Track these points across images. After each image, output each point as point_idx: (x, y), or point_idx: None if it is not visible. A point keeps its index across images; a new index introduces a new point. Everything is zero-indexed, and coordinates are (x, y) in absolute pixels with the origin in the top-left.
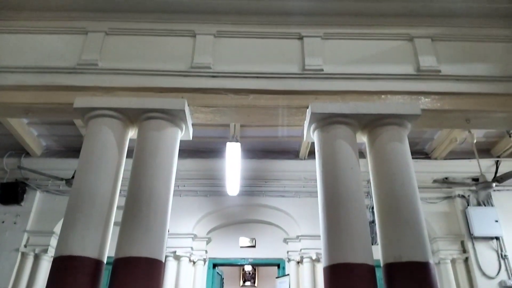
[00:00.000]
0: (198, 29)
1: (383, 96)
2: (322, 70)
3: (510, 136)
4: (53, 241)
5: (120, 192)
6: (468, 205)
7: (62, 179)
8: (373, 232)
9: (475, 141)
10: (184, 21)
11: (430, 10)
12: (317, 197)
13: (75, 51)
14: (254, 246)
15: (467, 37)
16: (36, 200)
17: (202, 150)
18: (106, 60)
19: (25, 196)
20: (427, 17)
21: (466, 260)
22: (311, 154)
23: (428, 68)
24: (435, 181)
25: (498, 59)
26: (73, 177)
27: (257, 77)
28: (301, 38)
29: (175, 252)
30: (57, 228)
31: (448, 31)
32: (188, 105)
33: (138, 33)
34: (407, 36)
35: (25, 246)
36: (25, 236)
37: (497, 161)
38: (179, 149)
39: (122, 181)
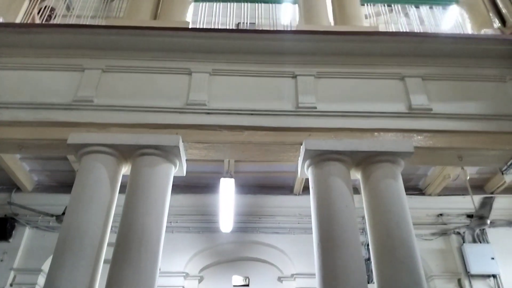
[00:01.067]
0: (194, 67)
1: (376, 133)
2: (315, 107)
3: (502, 173)
4: (41, 280)
5: (111, 229)
6: (463, 242)
7: (52, 215)
8: (368, 270)
9: (468, 177)
10: (181, 60)
11: (420, 51)
12: (311, 233)
13: (71, 87)
14: (247, 285)
15: (457, 77)
16: (25, 236)
17: (196, 185)
18: (102, 96)
19: (14, 232)
20: (418, 57)
21: None
22: (306, 189)
23: (420, 107)
24: (429, 220)
25: (488, 97)
26: (63, 213)
27: (252, 114)
28: (294, 76)
29: None
30: (46, 266)
31: (439, 71)
32: (183, 141)
33: (135, 71)
34: (398, 76)
35: (11, 285)
36: (12, 274)
37: (491, 197)
38: (172, 184)
39: (114, 217)
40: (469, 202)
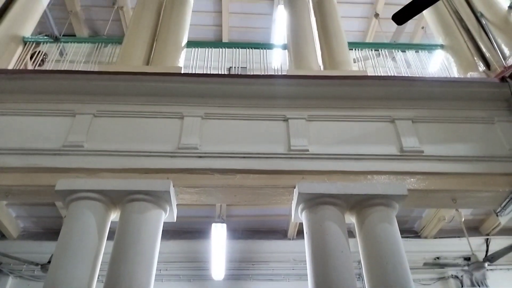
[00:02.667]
0: (186, 112)
1: (369, 176)
2: (307, 150)
3: (497, 215)
4: None
5: (98, 278)
6: (462, 286)
7: (37, 264)
8: None
9: (463, 219)
10: (173, 104)
11: (409, 94)
12: (307, 280)
13: (62, 132)
14: None
15: (446, 119)
16: (8, 286)
17: (186, 230)
18: (92, 141)
19: None
20: (407, 100)
21: None
22: (300, 233)
23: (411, 149)
24: (426, 263)
25: (478, 139)
26: (49, 261)
27: (244, 157)
28: (286, 120)
29: None
30: None
31: (428, 113)
32: (174, 186)
33: (127, 115)
34: (388, 118)
35: None
36: None
37: (487, 239)
38: (162, 230)
39: (101, 265)
40: (466, 244)
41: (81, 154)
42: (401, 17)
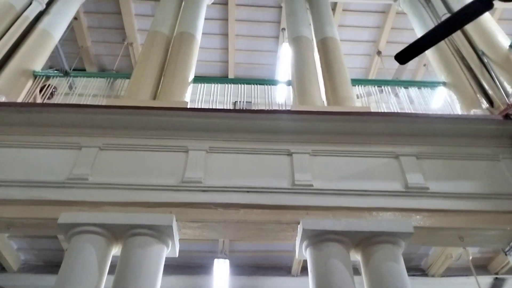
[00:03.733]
0: (191, 145)
1: (374, 212)
2: (311, 185)
3: (505, 254)
4: None
5: None
6: None
7: None
8: None
9: (470, 257)
10: (178, 138)
11: (412, 130)
12: None
13: (67, 165)
14: None
15: (451, 155)
16: None
17: (188, 265)
18: (97, 174)
19: None
20: (411, 136)
21: None
22: (304, 269)
23: (416, 185)
24: None
25: (483, 176)
26: None
27: (248, 191)
28: (290, 154)
29: None
30: None
31: (432, 150)
32: (176, 220)
33: (132, 149)
34: (392, 154)
35: None
36: None
37: (496, 278)
38: (164, 265)
39: None
40: (474, 284)
41: (85, 187)
42: (404, 57)
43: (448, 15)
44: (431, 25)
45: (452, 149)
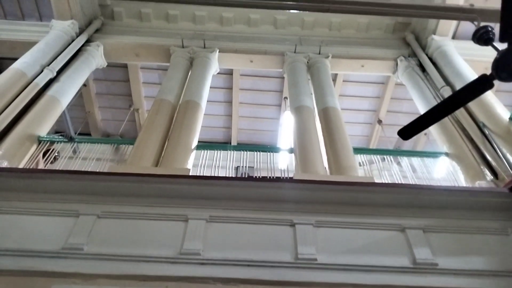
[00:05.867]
0: (191, 214)
1: None
2: (315, 259)
3: None
4: None
5: None
6: None
7: None
8: None
9: None
10: (178, 206)
11: (418, 202)
12: None
13: (63, 234)
14: None
15: (458, 229)
16: None
17: None
18: (93, 244)
19: None
20: (416, 208)
21: None
22: None
23: (424, 261)
24: None
25: (493, 252)
26: None
27: (248, 265)
28: (293, 225)
29: None
30: None
31: (439, 223)
32: None
33: (131, 217)
34: (398, 227)
35: None
36: None
37: None
38: None
39: None
40: None
41: (79, 257)
42: (407, 133)
43: (446, 87)
44: (430, 96)
45: (459, 222)
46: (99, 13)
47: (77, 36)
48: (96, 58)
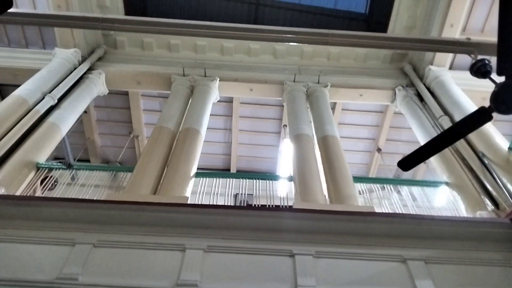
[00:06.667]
0: (189, 244)
1: None
2: None
3: None
4: None
5: None
6: None
7: None
8: None
9: None
10: (176, 235)
11: (419, 233)
12: None
13: (58, 263)
14: None
15: (461, 260)
16: None
17: None
18: (88, 274)
19: None
20: (418, 239)
21: None
22: None
23: None
24: None
25: (496, 284)
26: None
27: None
28: (292, 255)
29: None
30: None
31: (441, 254)
32: None
33: (127, 246)
34: (399, 258)
35: None
36: None
37: None
38: None
39: None
40: None
41: None
42: (406, 164)
43: (444, 117)
44: (429, 126)
45: (461, 253)
46: (102, 42)
47: (80, 64)
48: (97, 86)
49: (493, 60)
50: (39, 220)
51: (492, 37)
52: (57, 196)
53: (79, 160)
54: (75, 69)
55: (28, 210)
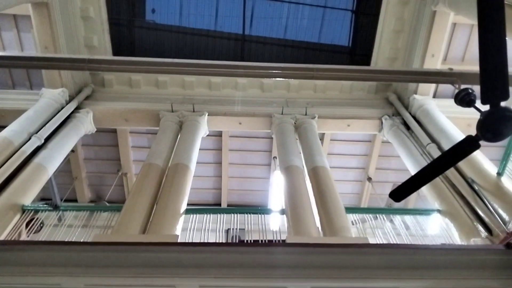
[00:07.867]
0: (180, 284)
1: None
2: None
3: None
4: None
5: None
6: None
7: None
8: None
9: None
10: (166, 276)
11: (414, 263)
12: None
13: None
14: None
15: None
16: None
17: None
18: None
19: None
20: (413, 270)
21: None
22: None
23: None
24: None
25: None
26: None
27: None
28: None
29: None
30: None
31: (438, 284)
32: None
33: None
34: None
35: None
36: None
37: None
38: None
39: None
40: None
41: None
42: (398, 195)
43: (432, 144)
44: (417, 153)
45: (457, 282)
46: (89, 81)
47: (67, 103)
48: (85, 124)
49: (476, 88)
50: (24, 266)
51: (472, 65)
52: (43, 239)
53: (66, 200)
54: (62, 108)
55: (11, 255)
